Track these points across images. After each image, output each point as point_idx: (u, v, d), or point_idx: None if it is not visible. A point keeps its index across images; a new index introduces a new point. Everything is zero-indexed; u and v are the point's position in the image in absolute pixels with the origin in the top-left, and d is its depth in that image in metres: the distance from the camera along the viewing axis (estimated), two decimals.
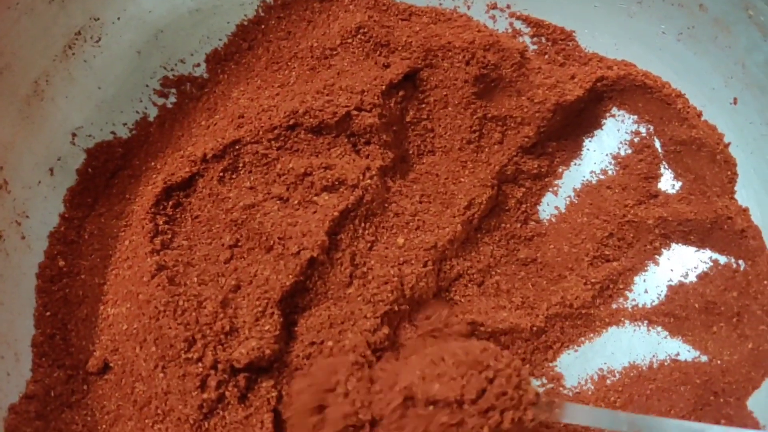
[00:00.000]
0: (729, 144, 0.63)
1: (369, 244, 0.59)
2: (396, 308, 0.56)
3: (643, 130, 0.67)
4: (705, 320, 0.61)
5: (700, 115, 0.64)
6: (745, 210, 0.62)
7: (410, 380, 0.48)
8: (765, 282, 0.59)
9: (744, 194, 0.62)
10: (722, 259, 0.63)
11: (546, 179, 0.69)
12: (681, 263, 0.64)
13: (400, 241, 0.59)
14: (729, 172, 0.62)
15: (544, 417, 0.49)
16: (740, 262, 0.62)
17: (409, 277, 0.57)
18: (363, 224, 0.59)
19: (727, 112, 0.63)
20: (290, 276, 0.54)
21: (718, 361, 0.59)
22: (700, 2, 0.62)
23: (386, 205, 0.61)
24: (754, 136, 0.61)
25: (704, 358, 0.60)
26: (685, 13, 0.63)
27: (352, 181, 0.58)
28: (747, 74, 0.61)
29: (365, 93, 0.61)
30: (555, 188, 0.69)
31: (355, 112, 0.61)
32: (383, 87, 0.63)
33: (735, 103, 0.62)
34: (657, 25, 0.65)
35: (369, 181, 0.59)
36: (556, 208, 0.68)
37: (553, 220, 0.68)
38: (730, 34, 0.61)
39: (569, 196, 0.68)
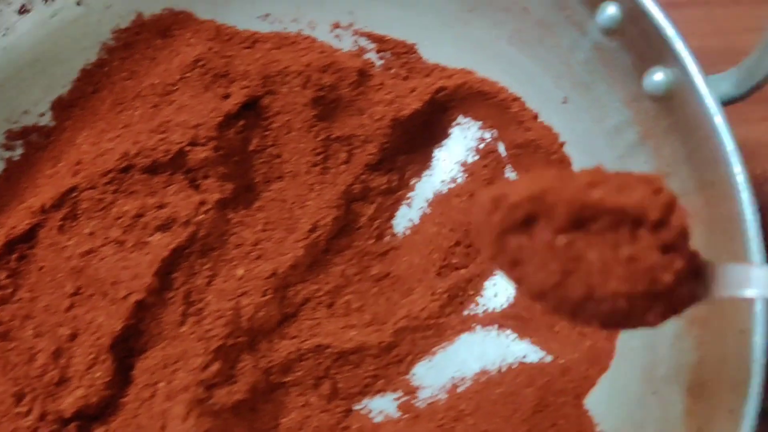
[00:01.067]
0: (564, 143, 0.63)
1: (207, 280, 0.60)
2: (231, 342, 0.57)
3: (487, 135, 0.68)
4: (548, 320, 0.62)
5: (536, 117, 0.65)
6: None
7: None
8: None
9: None
10: None
11: (398, 193, 0.69)
12: None
13: (240, 272, 0.61)
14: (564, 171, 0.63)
15: None
16: None
17: (247, 308, 0.59)
18: (200, 260, 0.60)
19: (560, 112, 0.64)
20: (120, 321, 0.55)
21: (561, 361, 0.60)
22: (524, 5, 0.62)
23: (225, 237, 0.62)
24: (585, 134, 0.62)
25: (549, 359, 0.61)
26: (512, 18, 0.64)
27: (184, 218, 0.59)
28: (572, 73, 0.62)
29: (200, 127, 0.62)
30: (409, 201, 0.69)
31: (189, 148, 0.62)
32: (220, 119, 0.63)
33: (565, 102, 0.63)
34: (489, 31, 0.66)
35: (203, 216, 0.60)
36: (410, 220, 0.69)
37: (408, 232, 0.69)
38: (554, 35, 0.62)
39: (422, 208, 0.69)
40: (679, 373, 0.51)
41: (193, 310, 0.58)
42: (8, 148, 0.66)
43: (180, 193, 0.61)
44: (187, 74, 0.66)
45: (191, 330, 0.57)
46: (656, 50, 0.52)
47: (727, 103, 0.50)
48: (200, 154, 0.62)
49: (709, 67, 0.49)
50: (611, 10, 0.55)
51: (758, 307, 0.45)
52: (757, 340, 0.44)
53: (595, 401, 0.58)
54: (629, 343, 0.57)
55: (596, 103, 0.61)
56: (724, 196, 0.49)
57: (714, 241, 0.51)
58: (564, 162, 0.64)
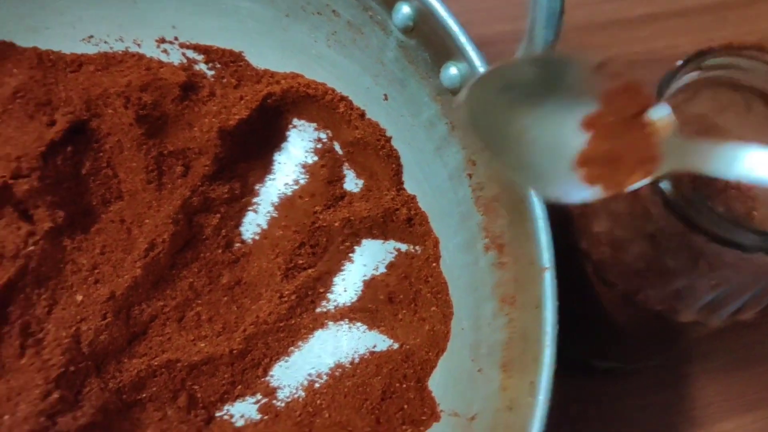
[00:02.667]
0: (390, 138, 0.65)
1: (47, 309, 0.60)
2: (72, 368, 0.57)
3: (323, 136, 0.70)
4: (391, 309, 0.64)
5: (363, 115, 0.67)
6: (413, 198, 0.65)
7: None
8: (433, 264, 0.63)
9: (411, 184, 0.65)
10: (404, 248, 0.66)
11: (243, 200, 0.70)
12: (372, 257, 0.67)
13: (79, 298, 0.61)
14: (394, 165, 0.65)
15: None
16: (417, 248, 0.65)
17: (87, 333, 0.59)
18: (36, 290, 0.60)
19: (383, 108, 0.66)
20: None
21: (406, 347, 0.62)
22: (333, 8, 0.64)
23: (61, 265, 0.62)
24: (406, 128, 0.64)
25: (396, 346, 0.63)
26: (325, 20, 0.65)
27: (11, 252, 0.59)
28: (387, 71, 0.63)
29: (22, 158, 0.62)
30: (255, 206, 0.70)
31: (12, 181, 0.61)
32: (43, 148, 0.63)
33: (386, 99, 0.65)
34: (308, 35, 0.67)
35: (33, 247, 0.59)
36: (258, 225, 0.70)
37: (257, 238, 0.70)
38: (364, 36, 0.63)
39: (269, 212, 0.70)
40: (495, 350, 0.54)
41: (31, 342, 0.58)
42: None
43: (8, 226, 0.61)
44: (9, 106, 0.66)
45: (30, 361, 0.57)
46: (447, 46, 0.55)
47: None
48: (23, 185, 0.61)
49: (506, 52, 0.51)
50: (405, 10, 0.57)
51: (548, 283, 0.48)
52: (548, 315, 0.47)
53: (435, 383, 0.60)
54: (460, 323, 0.60)
55: (411, 98, 0.63)
56: None
57: (517, 221, 0.54)
58: (392, 156, 0.66)
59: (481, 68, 0.53)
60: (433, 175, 0.63)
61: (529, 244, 0.49)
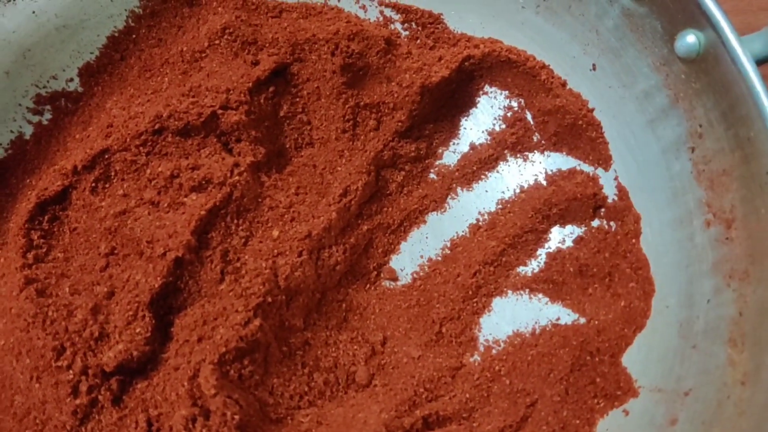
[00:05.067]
0: (593, 110, 0.64)
1: (243, 240, 0.60)
2: (269, 299, 0.57)
3: (514, 104, 0.69)
4: (581, 283, 0.62)
5: (564, 84, 0.66)
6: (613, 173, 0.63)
7: None
8: (633, 240, 0.61)
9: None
10: (596, 222, 0.64)
11: (426, 161, 0.70)
12: (559, 230, 0.65)
13: (275, 233, 0.60)
14: (594, 134, 0.64)
15: None
16: (612, 223, 0.63)
17: (284, 268, 0.58)
18: (235, 221, 0.60)
19: (588, 79, 0.65)
20: (158, 278, 0.55)
21: (595, 322, 0.60)
22: None
23: (260, 200, 0.62)
24: (614, 100, 0.63)
25: (583, 320, 0.61)
26: None
27: (219, 179, 0.59)
28: (601, 40, 0.62)
29: (231, 91, 0.63)
30: (436, 169, 0.70)
31: (221, 111, 0.62)
32: (250, 84, 0.64)
33: (594, 69, 0.63)
34: (515, 1, 0.66)
35: (237, 177, 0.60)
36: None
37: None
38: (582, 3, 0.63)
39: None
40: (719, 326, 0.52)
41: (230, 269, 0.58)
42: (36, 112, 0.66)
43: (214, 155, 0.61)
44: (216, 42, 0.67)
45: (230, 287, 0.57)
46: (688, 13, 0.53)
47: (760, 62, 0.51)
48: (232, 117, 0.62)
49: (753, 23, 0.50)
50: None
51: None
52: None
53: (631, 359, 0.58)
54: (665, 301, 0.58)
55: (625, 68, 0.62)
56: (760, 152, 0.50)
57: (751, 196, 0.52)
58: (593, 125, 0.64)
59: (730, 37, 0.51)
60: (640, 149, 0.62)
61: None
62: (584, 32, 0.64)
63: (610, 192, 0.64)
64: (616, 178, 0.63)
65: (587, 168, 0.65)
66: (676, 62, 0.56)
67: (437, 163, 0.70)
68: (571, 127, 0.65)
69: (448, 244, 0.68)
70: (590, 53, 0.64)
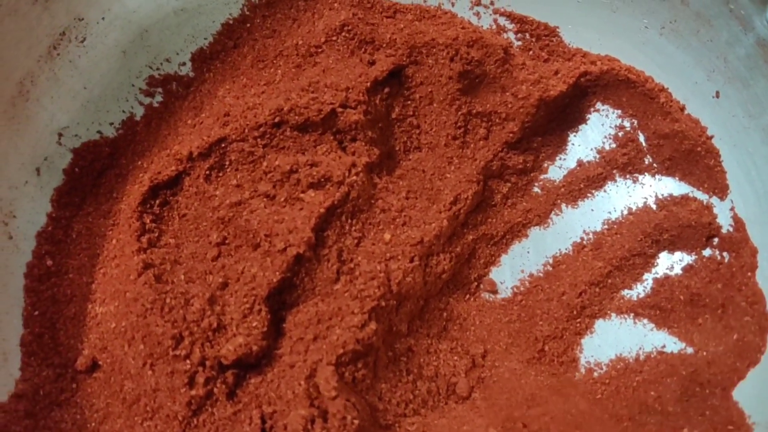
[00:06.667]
0: (712, 137, 0.63)
1: (356, 241, 0.59)
2: (383, 303, 0.56)
3: (627, 124, 0.68)
4: (690, 312, 0.61)
5: (683, 108, 0.65)
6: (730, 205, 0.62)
7: None
8: (749, 273, 0.60)
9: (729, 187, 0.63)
10: (707, 252, 0.63)
11: (532, 174, 0.69)
12: (667, 256, 0.64)
13: (387, 236, 0.60)
14: (712, 162, 0.63)
15: None
16: (725, 254, 0.62)
17: (396, 273, 0.58)
18: (350, 221, 0.59)
19: (709, 105, 0.64)
20: (277, 273, 0.54)
21: (704, 353, 0.59)
22: None
23: (373, 201, 0.61)
24: (737, 129, 0.62)
25: (690, 350, 0.60)
26: (667, 7, 0.64)
27: (338, 177, 0.58)
28: (729, 68, 0.61)
29: (350, 90, 0.62)
30: (540, 183, 0.69)
31: (341, 110, 0.61)
32: (368, 84, 0.63)
33: (717, 96, 0.63)
34: (640, 20, 0.66)
35: (355, 177, 0.59)
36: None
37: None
38: (712, 28, 0.62)
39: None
40: None
41: (345, 269, 0.57)
42: (148, 94, 0.66)
43: (330, 153, 0.61)
44: (333, 38, 0.66)
45: (345, 288, 0.56)
46: None
47: None
48: (351, 116, 0.61)
49: None
50: None
51: None
52: None
53: (744, 394, 0.57)
54: None
55: (753, 98, 0.61)
56: None
57: None
58: (712, 152, 0.63)
59: None
60: (761, 181, 0.61)
61: None
62: (711, 58, 0.63)
63: (724, 222, 0.63)
64: (732, 209, 0.62)
65: (701, 196, 0.64)
66: None
67: (542, 177, 0.69)
68: (688, 153, 0.64)
69: (551, 261, 0.66)
70: (714, 80, 0.63)
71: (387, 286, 0.57)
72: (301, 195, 0.58)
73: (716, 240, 0.63)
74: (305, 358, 0.53)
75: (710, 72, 0.63)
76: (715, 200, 0.64)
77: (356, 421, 0.50)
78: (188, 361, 0.51)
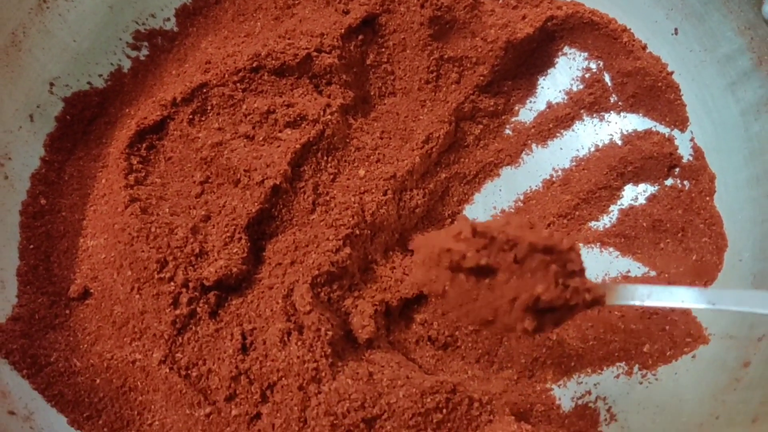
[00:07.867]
0: (672, 72, 0.66)
1: (332, 176, 0.62)
2: (357, 232, 0.59)
3: (593, 66, 0.71)
4: (653, 238, 0.64)
5: (645, 47, 0.68)
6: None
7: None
8: (707, 198, 0.63)
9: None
10: (669, 181, 0.66)
11: (503, 116, 0.72)
12: (631, 188, 0.67)
13: (362, 172, 0.63)
14: (672, 96, 0.66)
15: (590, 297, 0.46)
16: (685, 182, 0.65)
17: (370, 205, 0.61)
18: (325, 157, 0.62)
19: (669, 42, 0.67)
20: (256, 204, 0.58)
21: (666, 275, 0.62)
22: None
23: (348, 140, 0.64)
24: (694, 63, 0.65)
25: (653, 273, 0.63)
26: None
27: (313, 116, 0.62)
28: (686, 5, 0.64)
29: (325, 36, 0.65)
30: (512, 125, 0.72)
31: (315, 54, 0.64)
32: (342, 30, 0.66)
33: (676, 33, 0.65)
34: None
35: (329, 116, 0.62)
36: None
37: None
38: None
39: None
40: None
41: (321, 201, 0.60)
42: (135, 47, 0.69)
43: (306, 95, 0.64)
44: None
45: (321, 218, 0.59)
46: None
47: None
48: (326, 60, 0.64)
49: None
50: None
51: None
52: None
53: (703, 309, 0.60)
54: (738, 255, 0.60)
55: (709, 33, 0.64)
56: None
57: None
58: (672, 87, 0.66)
59: None
60: (718, 111, 0.64)
61: None
62: None
63: (685, 152, 0.65)
64: (692, 139, 0.65)
65: (663, 129, 0.67)
66: (762, 26, 0.58)
67: (513, 119, 0.72)
68: (650, 89, 0.67)
69: (522, 197, 0.69)
70: (673, 18, 0.66)
71: (361, 215, 0.60)
72: (279, 134, 0.62)
73: (677, 169, 0.66)
74: (283, 280, 0.56)
75: (669, 10, 0.66)
76: (676, 132, 0.67)
77: (330, 333, 0.53)
78: (172, 283, 0.55)
